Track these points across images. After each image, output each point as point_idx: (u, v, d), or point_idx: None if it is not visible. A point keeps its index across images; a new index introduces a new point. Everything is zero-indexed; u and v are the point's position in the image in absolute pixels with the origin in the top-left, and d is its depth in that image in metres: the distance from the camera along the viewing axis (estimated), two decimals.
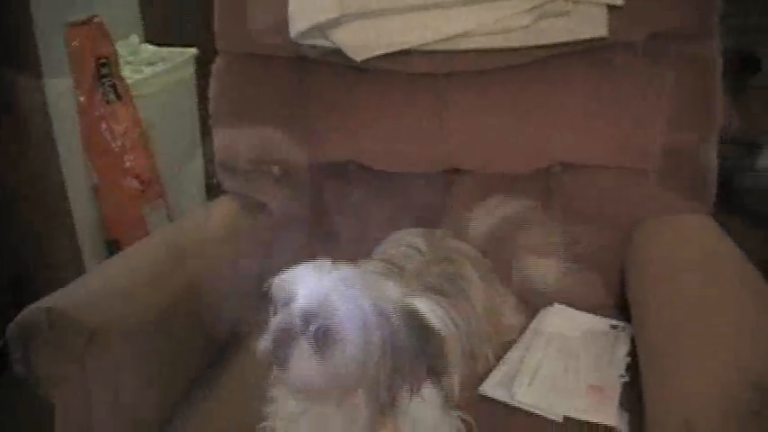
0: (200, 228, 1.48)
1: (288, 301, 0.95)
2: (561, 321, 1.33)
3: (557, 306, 1.37)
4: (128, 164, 2.13)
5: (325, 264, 0.97)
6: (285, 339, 0.93)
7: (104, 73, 2.08)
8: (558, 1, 1.39)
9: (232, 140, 1.59)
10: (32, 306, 1.12)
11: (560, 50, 1.43)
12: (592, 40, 1.41)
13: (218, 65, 1.59)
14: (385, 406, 0.96)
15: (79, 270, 2.10)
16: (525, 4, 1.40)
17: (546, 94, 1.48)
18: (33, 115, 1.94)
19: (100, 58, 2.07)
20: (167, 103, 2.38)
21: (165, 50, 2.46)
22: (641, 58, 1.42)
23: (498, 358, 1.24)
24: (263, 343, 0.95)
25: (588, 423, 1.09)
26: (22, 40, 1.88)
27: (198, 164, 2.61)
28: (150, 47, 2.44)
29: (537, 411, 1.12)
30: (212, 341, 1.35)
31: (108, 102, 2.09)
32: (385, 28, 1.44)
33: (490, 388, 1.16)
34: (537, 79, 1.47)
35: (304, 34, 1.47)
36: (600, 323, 1.32)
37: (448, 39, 1.44)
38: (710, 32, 1.41)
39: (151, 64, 2.37)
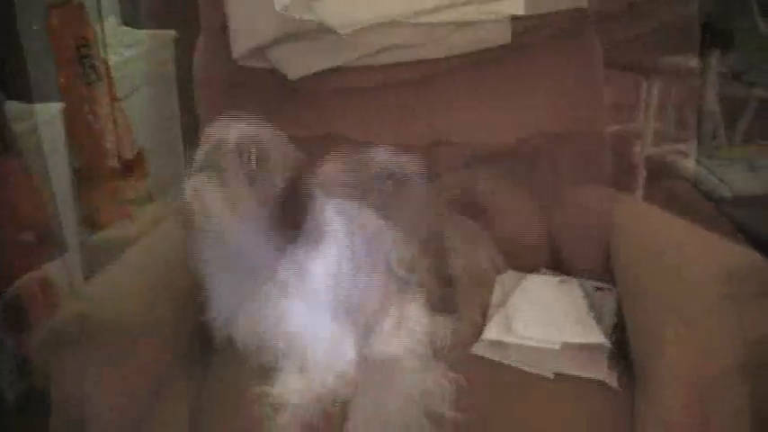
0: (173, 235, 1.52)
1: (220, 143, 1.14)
2: (518, 281, 1.50)
3: (510, 271, 1.55)
4: (22, 217, 2.09)
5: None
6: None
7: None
8: (467, 15, 1.60)
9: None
10: (59, 315, 1.14)
11: (471, 58, 1.65)
12: (498, 47, 1.64)
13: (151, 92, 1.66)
14: None
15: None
16: (438, 20, 1.60)
17: (461, 98, 1.68)
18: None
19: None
20: (39, 159, 2.33)
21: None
22: (539, 58, 1.68)
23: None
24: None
25: (579, 378, 1.25)
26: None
27: (72, 222, 2.56)
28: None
29: (538, 344, 1.28)
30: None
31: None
32: (319, 47, 1.59)
33: (492, 332, 1.32)
34: (453, 85, 1.68)
35: (243, 56, 1.58)
36: (549, 279, 1.52)
37: (375, 54, 1.60)
38: (588, 29, 1.69)
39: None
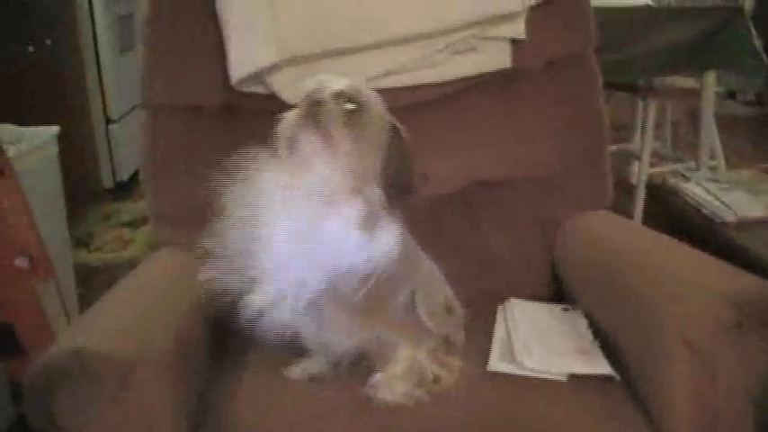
0: (165, 269, 1.50)
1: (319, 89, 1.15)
2: (522, 310, 1.49)
3: (513, 300, 1.54)
4: (16, 241, 2.06)
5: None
6: (316, 110, 1.13)
7: None
8: (467, 39, 1.59)
9: (165, 192, 1.62)
10: (55, 351, 1.11)
11: (472, 82, 1.64)
12: (498, 71, 1.62)
13: (145, 120, 1.63)
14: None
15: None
16: (439, 44, 1.59)
17: (461, 122, 1.66)
18: None
19: None
20: (32, 183, 2.31)
21: (25, 130, 2.40)
22: (540, 82, 1.66)
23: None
24: (290, 117, 1.16)
25: (588, 377, 1.26)
26: None
27: (65, 244, 2.54)
28: (10, 126, 2.37)
29: (543, 375, 1.27)
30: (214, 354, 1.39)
31: None
32: (316, 72, 1.56)
33: (497, 363, 1.31)
34: (453, 110, 1.65)
35: (241, 81, 1.56)
36: (553, 308, 1.51)
37: (374, 78, 1.59)
38: (589, 53, 1.68)
39: (12, 143, 2.30)
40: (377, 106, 1.20)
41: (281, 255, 1.16)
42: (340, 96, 1.15)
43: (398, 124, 1.23)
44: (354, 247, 1.15)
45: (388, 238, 1.18)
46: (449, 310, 1.34)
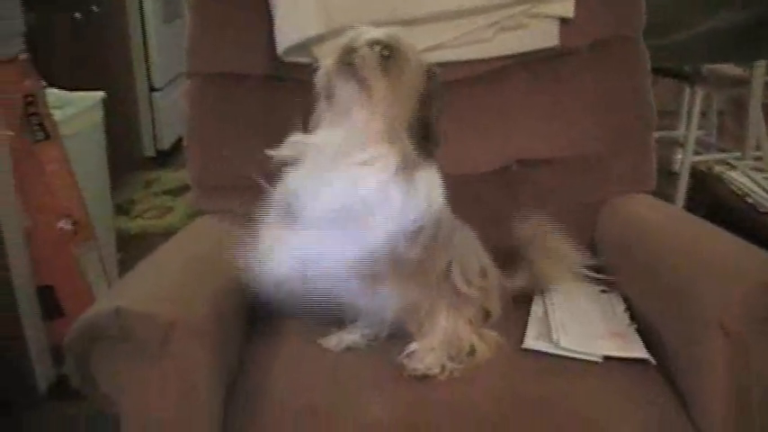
0: (206, 235, 1.52)
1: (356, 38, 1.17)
2: (559, 291, 1.48)
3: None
4: (59, 204, 2.10)
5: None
6: (351, 56, 1.15)
7: (31, 111, 2.04)
8: (516, 16, 1.58)
9: (209, 159, 1.63)
10: (95, 310, 1.12)
11: (517, 60, 1.62)
12: (545, 49, 1.61)
13: (189, 87, 1.64)
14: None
15: (15, 318, 2.03)
16: (488, 18, 1.58)
17: (506, 99, 1.65)
18: None
19: (27, 96, 2.04)
20: (77, 147, 2.34)
21: (71, 95, 2.43)
22: (586, 62, 1.64)
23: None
24: (327, 65, 1.18)
25: (623, 359, 1.26)
26: None
27: (107, 210, 2.58)
28: (56, 91, 2.40)
29: (578, 356, 1.26)
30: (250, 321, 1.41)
31: (36, 140, 2.05)
32: None
33: (532, 341, 1.30)
34: (497, 87, 1.64)
35: (288, 51, 1.56)
36: (591, 289, 1.49)
37: (420, 53, 1.58)
38: (637, 35, 1.65)
39: (58, 108, 2.33)
40: (412, 53, 1.21)
41: (320, 215, 1.17)
42: (375, 44, 1.16)
43: (435, 69, 1.24)
44: (396, 196, 1.16)
45: (431, 187, 1.19)
46: (484, 274, 1.35)
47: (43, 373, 2.12)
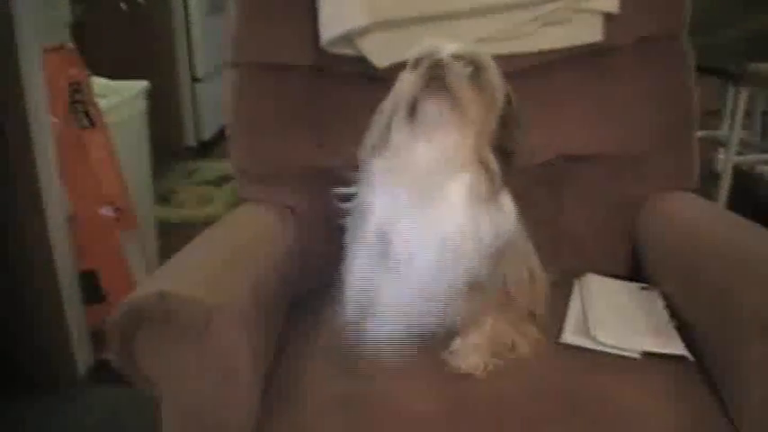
0: (246, 224, 1.54)
1: (435, 52, 1.13)
2: (600, 286, 1.49)
3: (590, 275, 1.53)
4: (102, 191, 2.13)
5: None
6: (437, 72, 1.10)
7: (77, 99, 2.08)
8: (559, 10, 1.57)
9: (251, 148, 1.65)
10: (139, 293, 1.14)
11: (561, 55, 1.61)
12: (588, 44, 1.60)
13: (233, 77, 1.65)
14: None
15: (57, 302, 2.06)
16: (532, 13, 1.57)
17: (549, 94, 1.63)
18: (15, 142, 1.91)
19: (72, 84, 2.07)
20: (121, 135, 2.38)
21: (115, 83, 2.47)
22: (630, 59, 1.62)
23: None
24: (410, 78, 1.13)
25: (661, 356, 1.25)
26: (5, 65, 1.87)
27: (149, 199, 2.61)
28: (101, 79, 2.44)
29: (616, 351, 1.26)
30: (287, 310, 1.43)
31: (81, 127, 2.09)
32: (407, 37, 1.56)
33: (570, 336, 1.30)
34: (540, 82, 1.62)
35: (332, 42, 1.57)
36: (631, 286, 1.49)
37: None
38: (682, 33, 1.64)
39: (103, 97, 2.37)
40: (494, 69, 1.17)
41: (415, 255, 1.18)
42: (460, 58, 1.12)
43: (512, 93, 1.21)
44: (486, 223, 1.16)
45: (510, 208, 1.19)
46: (533, 278, 1.34)
47: (83, 357, 2.16)
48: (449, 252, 1.16)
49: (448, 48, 1.13)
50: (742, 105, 3.09)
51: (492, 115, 1.15)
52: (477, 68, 1.13)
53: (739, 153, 3.16)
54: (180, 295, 1.12)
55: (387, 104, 1.21)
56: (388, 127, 1.18)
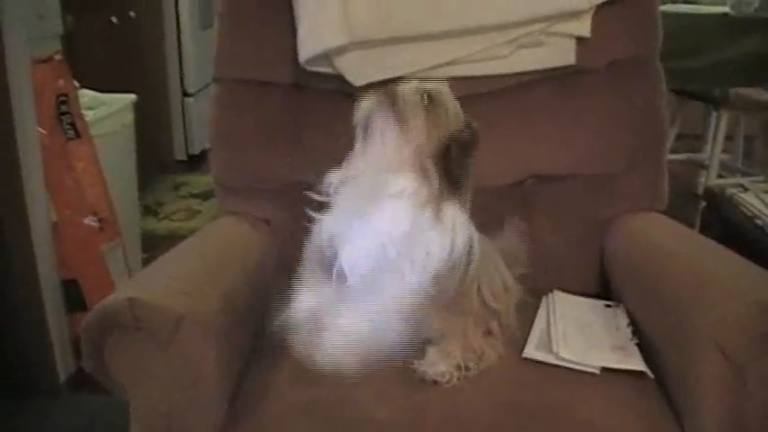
0: (223, 236, 1.57)
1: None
2: (565, 302, 1.52)
3: (557, 292, 1.57)
4: (86, 201, 2.16)
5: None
6: (394, 98, 1.19)
7: (63, 110, 2.12)
8: (533, 33, 1.61)
9: (231, 162, 1.69)
10: (110, 299, 1.18)
11: (534, 77, 1.65)
12: (561, 67, 1.64)
13: (216, 92, 1.69)
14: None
15: (39, 310, 2.09)
16: (506, 36, 1.61)
17: (523, 115, 1.67)
18: (1, 152, 1.95)
19: (60, 95, 2.11)
20: (107, 147, 2.41)
21: (104, 96, 2.51)
22: (602, 81, 1.66)
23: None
24: (367, 100, 1.20)
25: (621, 371, 1.28)
26: None
27: (134, 210, 2.64)
28: (89, 92, 2.47)
29: (577, 366, 1.29)
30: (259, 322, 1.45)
31: (68, 139, 2.12)
32: (384, 56, 1.60)
33: (533, 351, 1.34)
34: (514, 103, 1.67)
35: (310, 61, 1.61)
36: (596, 303, 1.53)
37: (438, 67, 1.62)
38: (654, 56, 1.68)
39: (91, 108, 2.41)
40: (454, 107, 1.26)
41: (359, 266, 1.22)
42: (420, 92, 1.21)
43: (474, 124, 1.28)
44: (430, 235, 1.21)
45: (457, 221, 1.23)
46: (506, 289, 1.39)
47: (64, 364, 2.18)
48: (391, 261, 1.20)
49: (410, 83, 1.23)
50: (723, 129, 3.14)
51: (438, 136, 1.22)
52: (429, 96, 1.22)
53: (720, 177, 3.21)
54: (149, 302, 1.15)
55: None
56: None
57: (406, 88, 1.21)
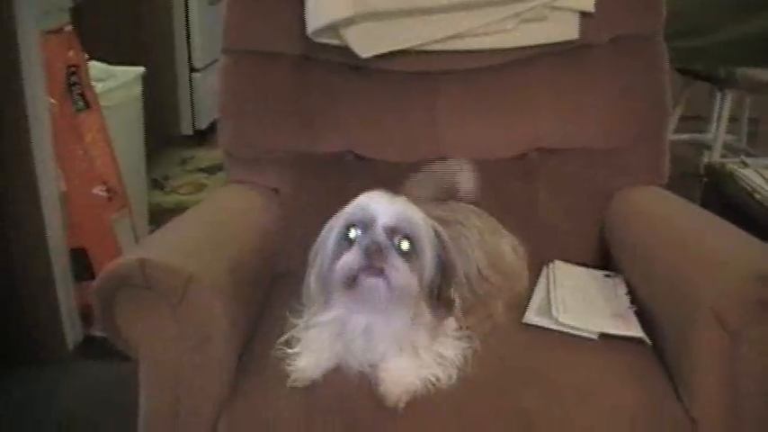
0: (230, 202, 1.60)
1: (370, 222, 1.14)
2: (565, 271, 1.55)
3: (557, 262, 1.59)
4: (95, 171, 2.19)
5: (384, 193, 1.19)
6: (375, 253, 1.12)
7: (74, 81, 2.14)
8: (537, 8, 1.63)
9: (239, 132, 1.71)
10: (121, 259, 1.21)
11: (537, 51, 1.67)
12: (564, 42, 1.66)
13: (225, 63, 1.71)
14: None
15: (48, 278, 2.12)
16: (510, 10, 1.63)
17: (525, 89, 1.70)
18: (12, 122, 1.97)
19: (70, 67, 2.13)
20: (115, 119, 2.44)
21: (113, 68, 2.53)
22: (606, 56, 1.68)
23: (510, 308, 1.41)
24: (343, 265, 1.14)
25: (619, 338, 1.31)
26: (4, 47, 1.93)
27: (142, 182, 2.67)
28: (99, 64, 2.49)
29: (576, 332, 1.33)
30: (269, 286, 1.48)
31: (77, 110, 2.15)
32: (390, 29, 1.63)
33: (533, 316, 1.37)
34: (517, 77, 1.69)
35: (317, 32, 1.63)
36: (596, 273, 1.56)
37: (443, 40, 1.64)
38: (658, 33, 1.70)
39: (100, 80, 2.43)
40: (427, 234, 1.18)
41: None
42: (394, 233, 1.15)
43: (445, 237, 1.22)
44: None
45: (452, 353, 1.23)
46: (516, 253, 1.44)
47: (72, 332, 2.22)
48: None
49: (381, 216, 1.15)
50: (727, 109, 3.14)
51: (422, 274, 1.18)
52: (411, 241, 1.16)
53: (724, 157, 3.21)
54: (159, 263, 1.18)
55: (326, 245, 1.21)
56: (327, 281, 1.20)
57: (385, 237, 1.14)
